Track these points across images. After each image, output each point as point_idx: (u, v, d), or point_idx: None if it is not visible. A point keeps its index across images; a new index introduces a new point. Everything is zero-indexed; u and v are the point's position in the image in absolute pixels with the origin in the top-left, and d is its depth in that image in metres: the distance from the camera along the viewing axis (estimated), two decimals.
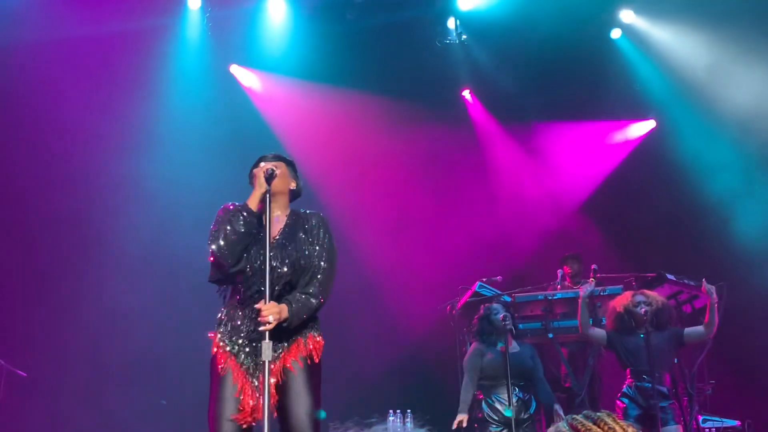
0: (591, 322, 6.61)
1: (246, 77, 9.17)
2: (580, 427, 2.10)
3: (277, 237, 4.02)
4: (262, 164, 4.10)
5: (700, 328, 6.26)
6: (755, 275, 8.07)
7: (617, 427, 2.09)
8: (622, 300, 6.43)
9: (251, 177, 4.12)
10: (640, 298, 6.31)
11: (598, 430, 2.09)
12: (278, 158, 4.21)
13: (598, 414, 2.13)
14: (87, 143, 8.15)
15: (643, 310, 6.20)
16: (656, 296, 6.38)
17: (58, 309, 7.94)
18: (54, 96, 7.95)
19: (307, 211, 4.19)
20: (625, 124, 9.80)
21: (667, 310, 6.38)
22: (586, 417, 2.13)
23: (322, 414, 3.86)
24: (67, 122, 8.06)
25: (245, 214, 3.94)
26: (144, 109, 8.35)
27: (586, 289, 6.43)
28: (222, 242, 3.89)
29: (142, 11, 8.06)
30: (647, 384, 6.09)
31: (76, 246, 8.16)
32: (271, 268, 3.83)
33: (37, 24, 7.80)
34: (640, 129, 9.79)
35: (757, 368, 8.13)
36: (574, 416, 2.15)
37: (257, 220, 3.99)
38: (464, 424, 6.31)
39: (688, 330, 6.28)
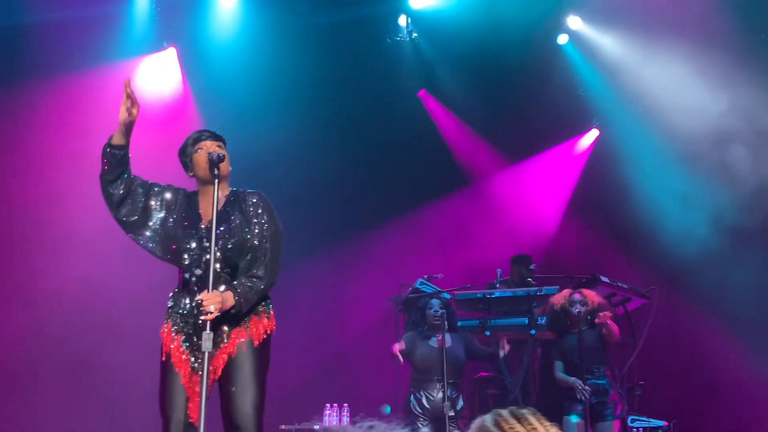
0: (527, 321, 6.80)
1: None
2: (504, 424, 2.16)
3: (211, 220, 3.86)
4: (202, 144, 3.96)
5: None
6: (686, 279, 8.32)
7: (540, 428, 2.16)
8: (559, 298, 6.59)
9: (188, 159, 3.98)
10: (576, 298, 6.47)
11: (521, 428, 2.15)
12: (218, 137, 4.05)
13: (523, 411, 2.19)
14: (31, 128, 7.97)
15: (578, 310, 6.37)
16: (593, 296, 6.54)
17: None
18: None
19: (246, 190, 4.04)
20: (572, 142, 9.96)
21: (602, 311, 6.55)
22: (512, 413, 2.19)
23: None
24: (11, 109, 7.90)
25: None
26: (91, 95, 8.15)
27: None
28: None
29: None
30: (590, 381, 6.25)
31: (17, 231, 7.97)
32: (203, 253, 3.80)
33: None
34: (586, 141, 9.97)
35: (683, 369, 8.40)
36: (500, 412, 2.21)
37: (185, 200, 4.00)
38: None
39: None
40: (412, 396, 6.52)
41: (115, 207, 3.94)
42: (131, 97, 3.82)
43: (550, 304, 6.63)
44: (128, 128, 3.89)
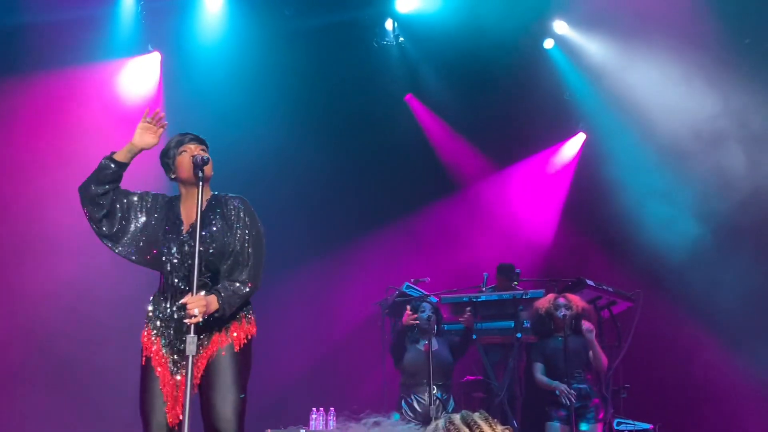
0: (513, 325, 6.83)
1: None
2: (453, 431, 2.17)
3: (192, 224, 3.87)
4: (185, 147, 3.95)
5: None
6: (673, 282, 8.35)
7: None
8: (544, 302, 6.61)
9: (171, 161, 3.97)
10: (561, 302, 6.48)
11: None
12: (201, 140, 4.05)
13: (474, 416, 2.20)
14: (15, 128, 7.91)
15: (562, 314, 6.38)
16: (578, 301, 6.56)
17: None
18: None
19: (228, 195, 4.04)
20: (559, 146, 10.00)
21: (587, 316, 6.57)
22: (463, 419, 2.20)
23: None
24: None
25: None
26: (76, 95, 8.11)
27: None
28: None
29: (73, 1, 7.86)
30: (572, 385, 6.25)
31: None
32: (184, 257, 3.80)
33: None
34: (573, 145, 10.00)
35: (669, 372, 8.43)
36: (452, 418, 2.21)
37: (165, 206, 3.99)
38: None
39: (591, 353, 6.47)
40: (403, 401, 6.53)
41: (98, 219, 3.92)
42: (162, 125, 3.90)
43: (535, 307, 6.65)
44: (141, 151, 3.94)
